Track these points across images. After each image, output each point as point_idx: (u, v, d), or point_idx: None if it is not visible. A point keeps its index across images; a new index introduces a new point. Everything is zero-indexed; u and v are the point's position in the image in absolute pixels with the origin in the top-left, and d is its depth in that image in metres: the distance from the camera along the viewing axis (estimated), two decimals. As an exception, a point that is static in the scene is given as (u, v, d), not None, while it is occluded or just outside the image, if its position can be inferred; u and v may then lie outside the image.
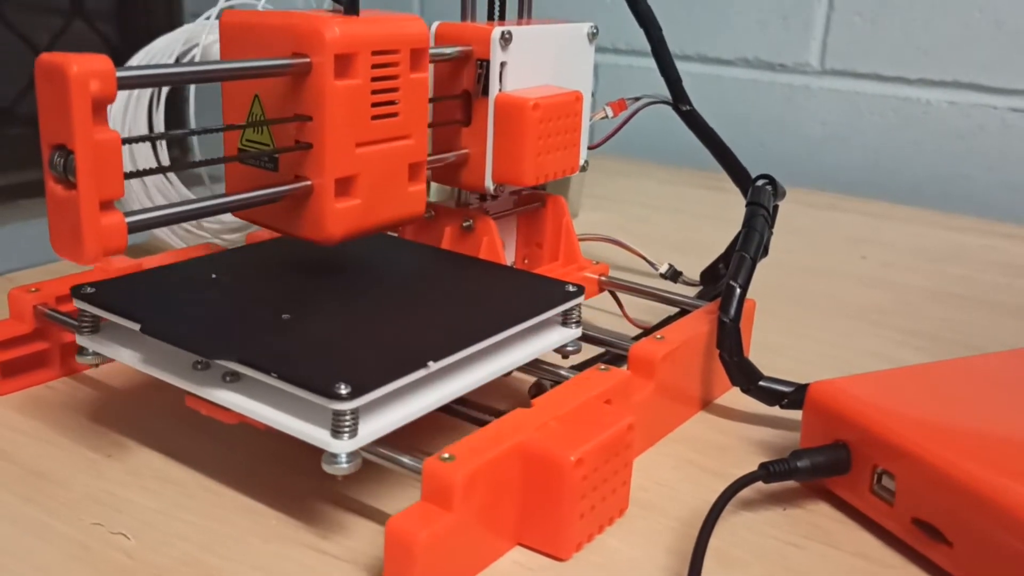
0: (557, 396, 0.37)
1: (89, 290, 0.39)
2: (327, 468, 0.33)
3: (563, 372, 0.41)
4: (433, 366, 0.35)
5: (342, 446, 0.32)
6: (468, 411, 0.39)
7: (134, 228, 0.34)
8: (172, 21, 1.25)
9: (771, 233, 0.48)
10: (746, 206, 0.48)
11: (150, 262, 0.49)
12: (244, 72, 0.38)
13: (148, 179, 0.60)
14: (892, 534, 0.36)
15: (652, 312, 0.54)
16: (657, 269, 0.55)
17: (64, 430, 0.41)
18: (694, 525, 0.37)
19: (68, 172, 0.32)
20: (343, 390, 0.32)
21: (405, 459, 0.34)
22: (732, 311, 0.43)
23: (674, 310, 0.52)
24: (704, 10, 1.00)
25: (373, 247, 0.46)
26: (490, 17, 0.49)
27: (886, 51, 0.93)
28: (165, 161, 0.59)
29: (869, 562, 0.35)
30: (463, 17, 0.48)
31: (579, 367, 0.43)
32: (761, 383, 0.43)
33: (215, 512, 0.36)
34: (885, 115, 0.94)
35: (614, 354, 0.46)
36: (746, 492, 0.39)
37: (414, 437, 0.41)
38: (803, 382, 0.42)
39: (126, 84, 0.33)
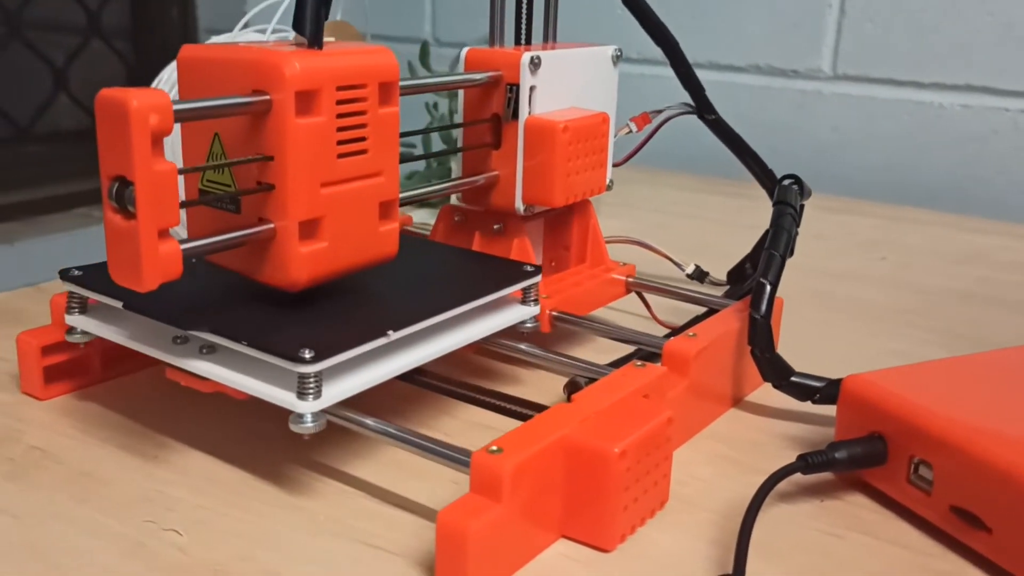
0: (596, 391, 0.38)
1: (77, 273, 0.42)
2: (293, 427, 0.35)
3: (599, 369, 0.42)
4: (393, 335, 0.38)
5: (307, 406, 0.35)
6: (508, 405, 0.40)
7: (187, 255, 0.35)
8: (187, 39, 1.27)
9: (797, 232, 0.48)
10: (773, 205, 0.49)
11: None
12: (199, 112, 0.35)
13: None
14: (930, 523, 0.37)
15: (678, 313, 0.54)
16: (684, 270, 0.56)
17: (108, 432, 0.42)
18: (733, 518, 0.37)
19: (127, 203, 0.32)
20: (307, 355, 0.34)
21: (452, 452, 0.34)
22: (763, 307, 0.44)
23: (701, 310, 0.53)
24: (715, 17, 1.01)
25: None
26: (517, 41, 0.50)
27: (898, 56, 0.94)
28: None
29: (909, 551, 0.36)
30: (491, 43, 0.49)
31: (614, 364, 0.44)
32: (793, 379, 0.44)
33: (264, 509, 0.37)
34: (898, 119, 0.95)
35: (646, 352, 0.47)
36: (782, 485, 0.39)
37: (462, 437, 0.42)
38: (835, 378, 0.42)
39: (181, 118, 0.34)
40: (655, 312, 0.54)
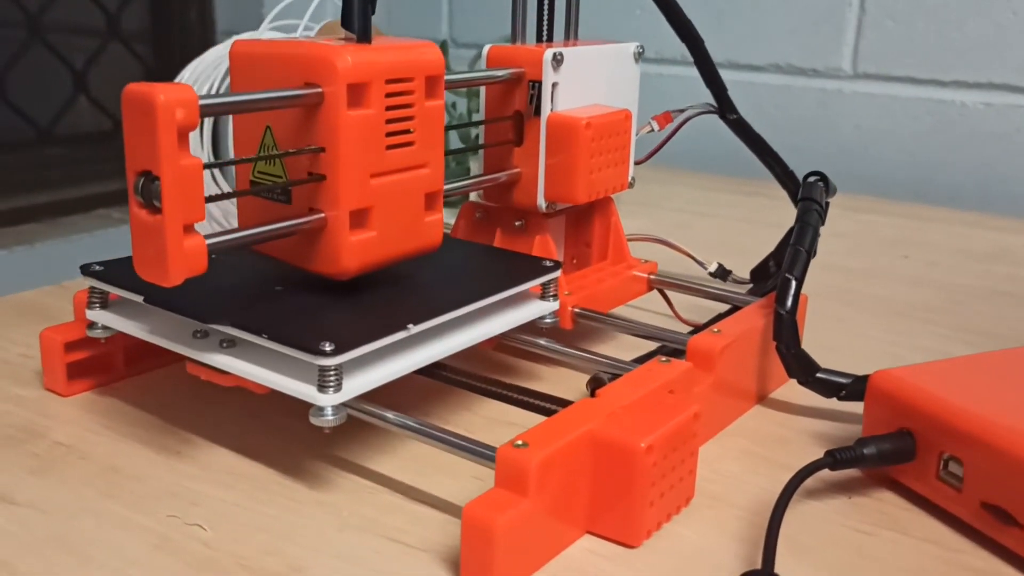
0: (621, 386, 0.38)
1: (98, 268, 0.42)
2: (314, 420, 0.35)
3: (623, 365, 0.42)
4: (413, 329, 0.37)
5: (327, 399, 0.35)
6: (531, 400, 0.40)
7: (212, 251, 0.35)
8: (206, 41, 1.27)
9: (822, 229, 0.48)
10: (799, 202, 0.48)
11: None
12: (254, 104, 0.37)
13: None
14: (960, 520, 0.36)
15: (700, 311, 0.54)
16: (706, 268, 0.56)
17: (133, 428, 0.42)
18: (761, 513, 0.37)
19: (153, 197, 0.32)
20: (327, 347, 0.34)
21: (476, 446, 0.34)
22: (788, 303, 0.43)
23: (723, 308, 0.52)
24: (735, 17, 1.01)
25: None
26: (539, 39, 0.50)
27: (919, 54, 0.93)
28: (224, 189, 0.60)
29: (940, 547, 0.35)
30: (513, 39, 0.49)
31: (638, 361, 0.43)
32: (819, 375, 0.43)
33: (288, 504, 0.37)
34: (920, 118, 0.94)
35: (670, 349, 0.47)
36: (809, 483, 0.39)
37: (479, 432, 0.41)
38: (861, 374, 0.42)
39: (207, 112, 0.34)
40: (677, 310, 0.54)
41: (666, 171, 0.96)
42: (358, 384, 0.36)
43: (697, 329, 0.50)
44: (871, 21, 0.95)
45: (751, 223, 0.81)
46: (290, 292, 0.40)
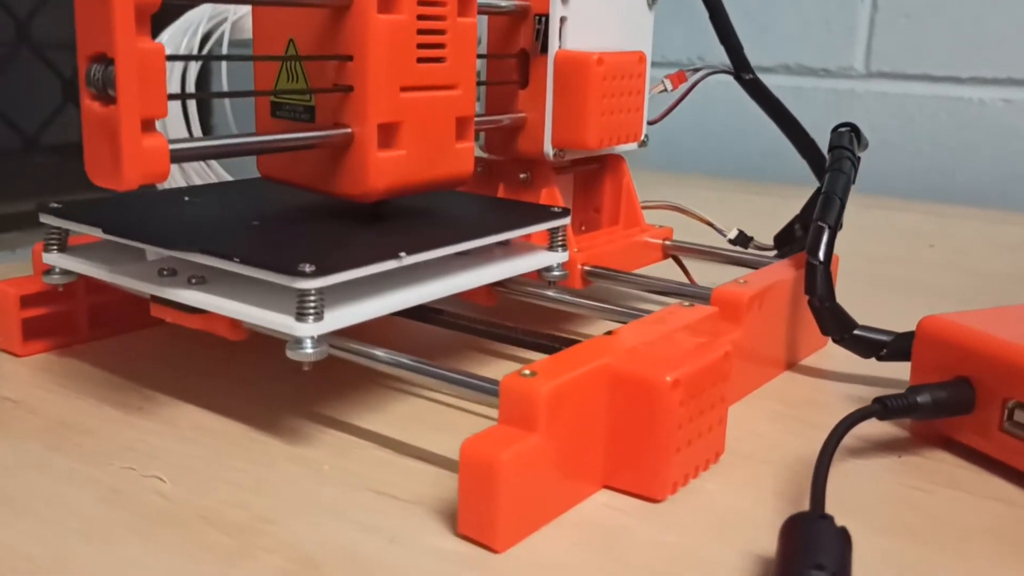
0: (641, 326, 0.33)
1: (56, 205, 0.38)
2: (291, 354, 0.31)
3: (639, 313, 0.37)
4: (406, 258, 0.33)
5: (306, 328, 0.30)
6: (539, 341, 0.35)
7: (177, 157, 0.30)
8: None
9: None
10: (829, 151, 0.45)
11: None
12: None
13: (187, 164, 0.57)
14: (1029, 476, 0.32)
15: (720, 281, 0.50)
16: (725, 235, 0.51)
17: (91, 387, 0.38)
18: (799, 470, 0.32)
19: (107, 85, 0.29)
20: (307, 268, 0.30)
21: (478, 381, 0.30)
22: (821, 252, 0.39)
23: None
24: (741, 16, 0.97)
25: None
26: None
27: (935, 51, 0.90)
28: (197, 132, 0.56)
29: (1009, 505, 0.31)
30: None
31: (657, 313, 0.39)
32: (857, 332, 0.39)
33: (261, 459, 0.32)
34: (937, 117, 0.91)
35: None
36: (851, 441, 0.35)
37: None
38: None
39: None
40: (695, 280, 0.49)
41: (668, 175, 0.92)
42: (342, 316, 0.31)
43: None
44: (884, 18, 0.92)
45: (764, 217, 0.76)
46: (268, 227, 0.36)
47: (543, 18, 0.42)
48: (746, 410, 0.37)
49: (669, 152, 0.95)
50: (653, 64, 0.47)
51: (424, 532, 0.28)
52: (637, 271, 0.46)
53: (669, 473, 0.30)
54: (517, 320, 0.38)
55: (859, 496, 0.31)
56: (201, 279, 0.34)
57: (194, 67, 0.58)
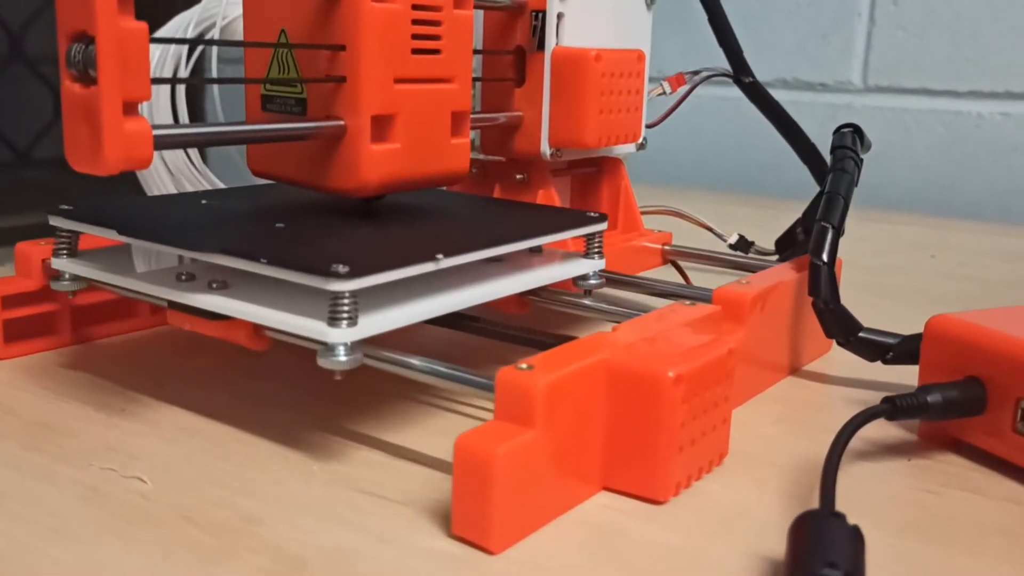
0: (642, 322, 0.32)
1: (66, 207, 0.36)
2: (322, 362, 0.28)
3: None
4: (443, 261, 0.32)
5: (340, 335, 0.28)
6: (530, 336, 0.34)
7: (161, 144, 0.29)
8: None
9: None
10: (831, 152, 0.44)
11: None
12: None
13: (172, 164, 0.56)
14: (1045, 478, 0.31)
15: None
16: (725, 240, 0.50)
17: (73, 389, 0.36)
18: (805, 471, 0.31)
19: (88, 65, 0.28)
20: (341, 269, 0.28)
21: (473, 375, 0.29)
22: (825, 253, 0.38)
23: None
24: (738, 29, 0.97)
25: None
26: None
27: (932, 64, 0.89)
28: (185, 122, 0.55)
29: (1022, 506, 0.30)
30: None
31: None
32: (862, 334, 0.38)
33: (247, 460, 0.31)
34: (934, 131, 0.90)
35: (690, 310, 0.41)
36: (859, 444, 0.33)
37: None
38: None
39: None
40: (693, 284, 0.48)
41: (663, 188, 0.91)
42: (377, 322, 0.29)
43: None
44: (881, 32, 0.91)
45: (764, 227, 0.76)
46: (295, 227, 0.34)
47: (540, 14, 0.42)
48: (749, 413, 0.36)
49: (666, 166, 0.94)
50: (650, 79, 0.47)
51: (416, 533, 0.27)
52: (638, 275, 0.45)
53: (671, 473, 0.29)
54: (521, 324, 0.37)
55: (868, 498, 0.30)
56: (223, 284, 0.32)
57: (184, 72, 0.58)
